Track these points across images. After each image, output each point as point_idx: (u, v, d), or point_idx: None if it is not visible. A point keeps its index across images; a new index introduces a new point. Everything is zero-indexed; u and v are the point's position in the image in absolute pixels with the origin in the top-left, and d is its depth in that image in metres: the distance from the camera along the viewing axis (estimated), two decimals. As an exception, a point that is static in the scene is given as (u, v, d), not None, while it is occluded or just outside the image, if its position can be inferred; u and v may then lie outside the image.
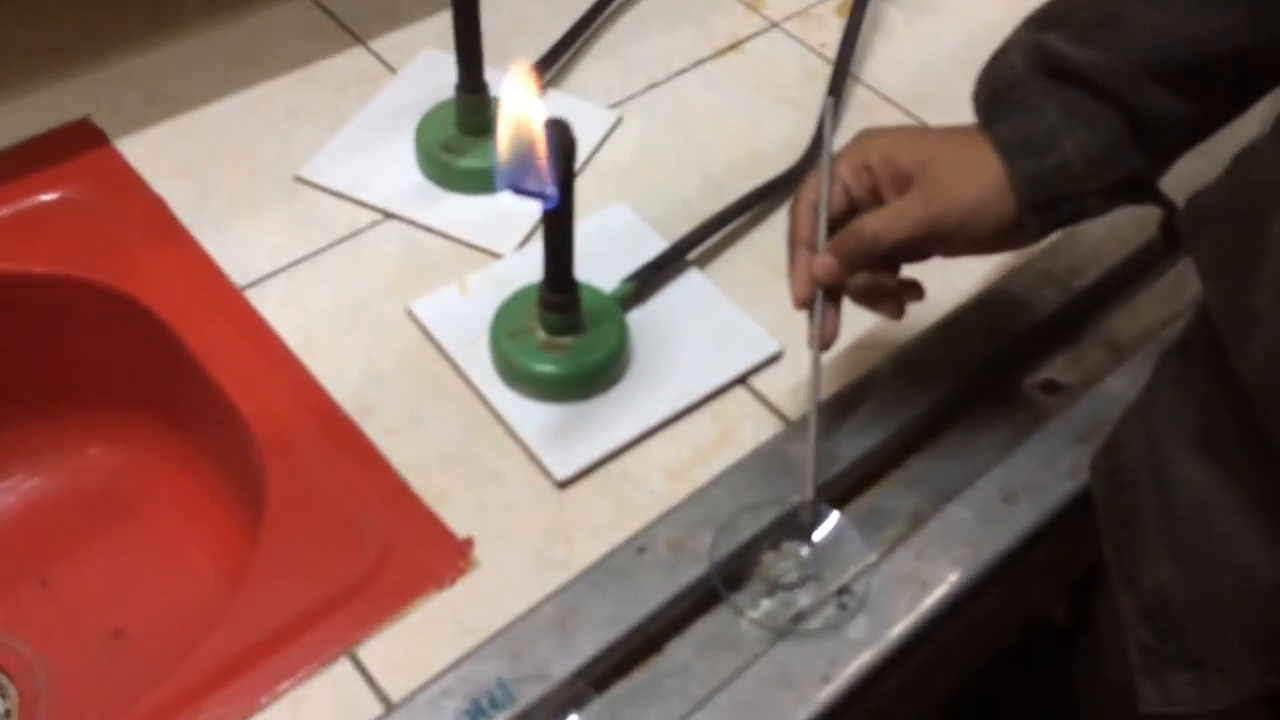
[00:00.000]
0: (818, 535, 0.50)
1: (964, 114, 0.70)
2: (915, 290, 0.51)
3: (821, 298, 0.49)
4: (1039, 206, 0.47)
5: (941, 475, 0.53)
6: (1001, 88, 0.48)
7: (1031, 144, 0.47)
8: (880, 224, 0.48)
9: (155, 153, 0.65)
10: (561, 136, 0.48)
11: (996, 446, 0.54)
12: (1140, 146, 0.47)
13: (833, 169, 0.50)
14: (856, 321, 0.59)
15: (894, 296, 0.51)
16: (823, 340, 0.50)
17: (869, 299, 0.51)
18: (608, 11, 0.76)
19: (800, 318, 0.59)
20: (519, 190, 0.45)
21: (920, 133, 0.55)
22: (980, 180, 0.47)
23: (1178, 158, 0.49)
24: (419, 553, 0.50)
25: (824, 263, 0.48)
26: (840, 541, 0.49)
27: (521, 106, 0.45)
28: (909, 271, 0.52)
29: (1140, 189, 0.49)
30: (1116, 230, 0.62)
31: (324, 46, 0.72)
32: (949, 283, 0.61)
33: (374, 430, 0.54)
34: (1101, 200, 0.48)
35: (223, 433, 0.57)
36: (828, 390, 0.55)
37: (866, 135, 0.51)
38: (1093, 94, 0.46)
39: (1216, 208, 0.45)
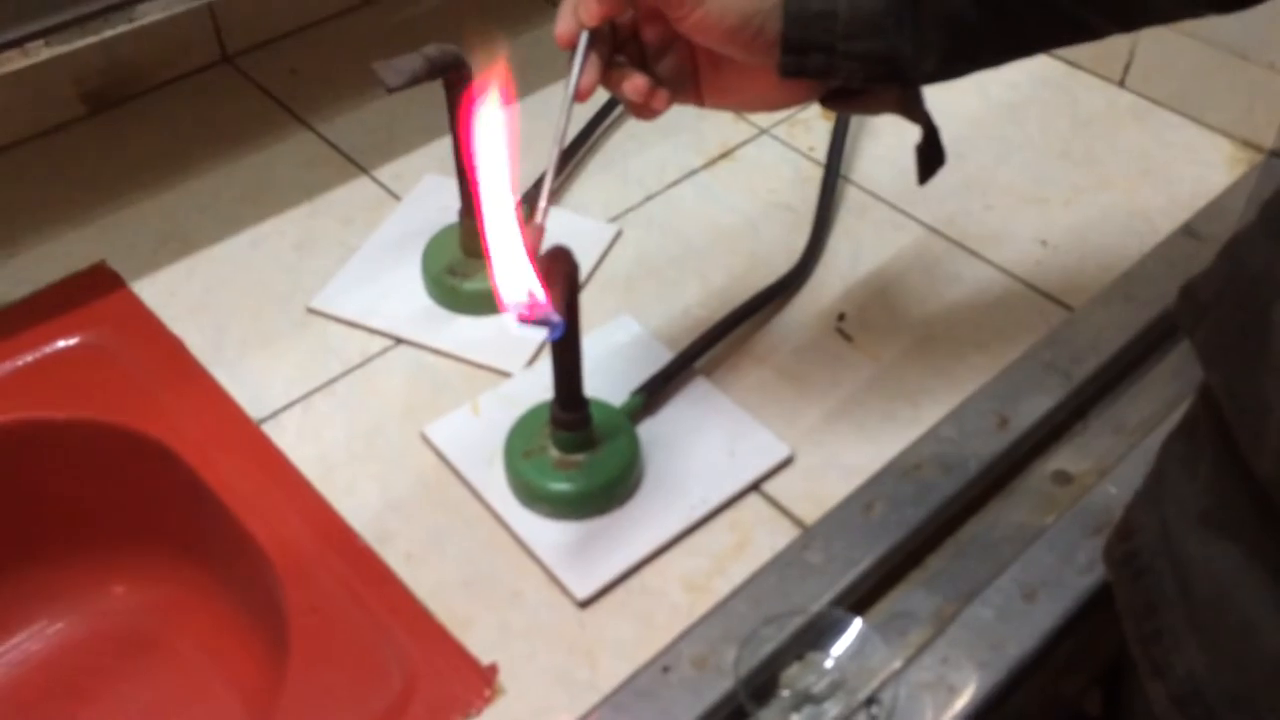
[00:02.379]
0: (841, 644, 0.50)
1: (954, 207, 0.72)
2: (661, 99, 0.51)
3: (585, 43, 0.48)
4: (792, 45, 0.47)
5: (961, 573, 0.53)
6: None
7: None
8: None
9: (170, 293, 0.67)
10: (565, 264, 0.49)
11: (1013, 541, 0.55)
12: (910, 30, 0.47)
13: None
14: (864, 422, 0.60)
15: (638, 91, 0.50)
16: (579, 88, 0.49)
17: (617, 81, 0.50)
18: (602, 128, 0.78)
19: (807, 420, 0.60)
20: (527, 322, 0.46)
21: None
22: None
23: (947, 71, 0.49)
24: (444, 682, 0.50)
25: (588, 3, 0.48)
26: (864, 649, 0.49)
27: (515, 244, 0.46)
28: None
29: (898, 79, 0.49)
30: (1114, 317, 0.63)
31: (328, 178, 0.75)
32: (953, 377, 0.62)
33: (393, 557, 0.55)
34: (855, 69, 0.48)
35: (244, 567, 0.57)
36: (841, 493, 0.56)
37: None
38: None
39: (1213, 295, 0.45)
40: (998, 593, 0.51)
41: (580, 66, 0.48)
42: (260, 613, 0.58)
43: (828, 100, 0.52)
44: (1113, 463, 0.58)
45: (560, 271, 0.48)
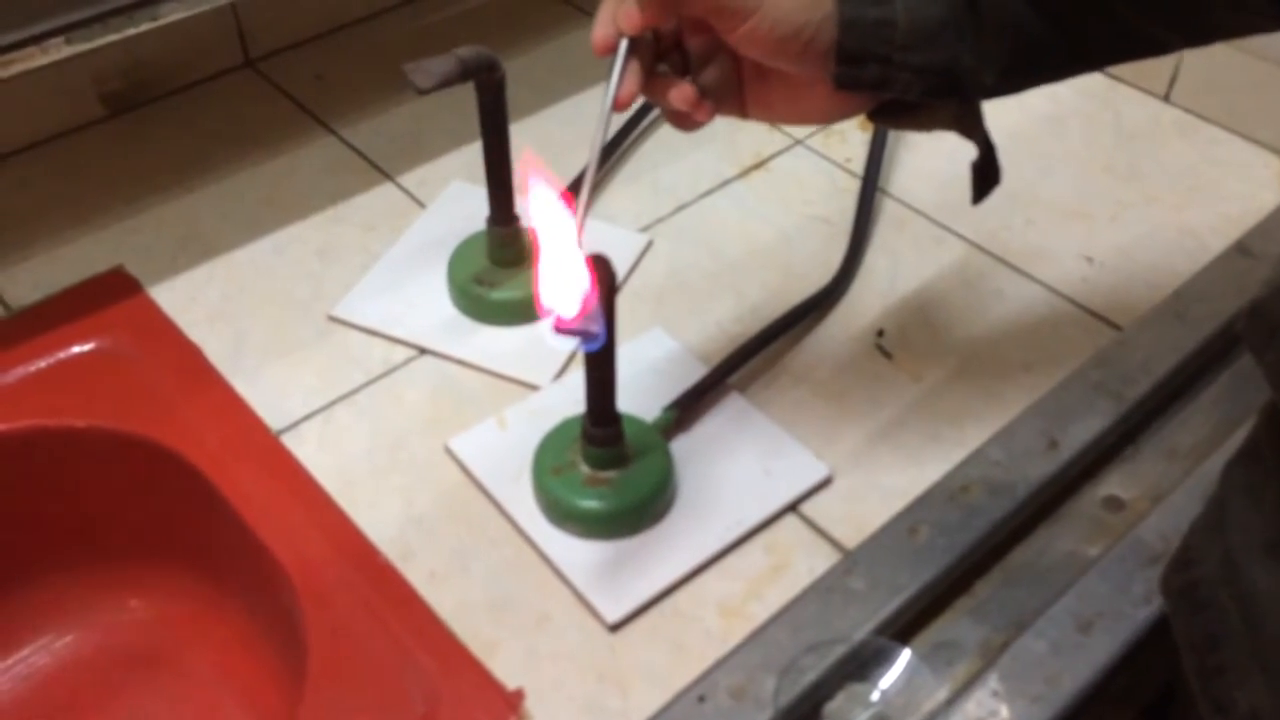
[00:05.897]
0: (888, 676, 0.47)
1: (996, 222, 0.70)
2: (705, 111, 0.49)
3: (624, 51, 0.46)
4: (847, 55, 0.46)
5: (1010, 602, 0.51)
6: None
7: None
8: None
9: (188, 298, 0.65)
10: (603, 273, 0.47)
11: (1063, 569, 0.52)
12: (970, 42, 0.45)
13: None
14: (906, 443, 0.58)
15: (686, 100, 0.48)
16: (619, 98, 0.46)
17: (660, 89, 0.48)
18: (633, 136, 0.76)
19: (847, 439, 0.58)
20: (566, 331, 0.44)
21: None
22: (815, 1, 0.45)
23: (1007, 85, 0.47)
24: (467, 707, 0.48)
25: (628, 9, 0.46)
26: (911, 680, 0.47)
27: (561, 245, 0.45)
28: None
29: (956, 93, 0.47)
30: (1166, 337, 0.61)
31: (352, 184, 0.73)
32: (999, 398, 0.59)
33: (416, 576, 0.53)
34: (912, 81, 0.46)
35: (261, 583, 0.55)
36: (883, 516, 0.54)
37: None
38: None
39: None
40: (1051, 624, 0.49)
41: (619, 75, 0.46)
42: (277, 630, 0.56)
43: (879, 115, 0.50)
44: (1165, 489, 0.56)
45: (598, 281, 0.46)
